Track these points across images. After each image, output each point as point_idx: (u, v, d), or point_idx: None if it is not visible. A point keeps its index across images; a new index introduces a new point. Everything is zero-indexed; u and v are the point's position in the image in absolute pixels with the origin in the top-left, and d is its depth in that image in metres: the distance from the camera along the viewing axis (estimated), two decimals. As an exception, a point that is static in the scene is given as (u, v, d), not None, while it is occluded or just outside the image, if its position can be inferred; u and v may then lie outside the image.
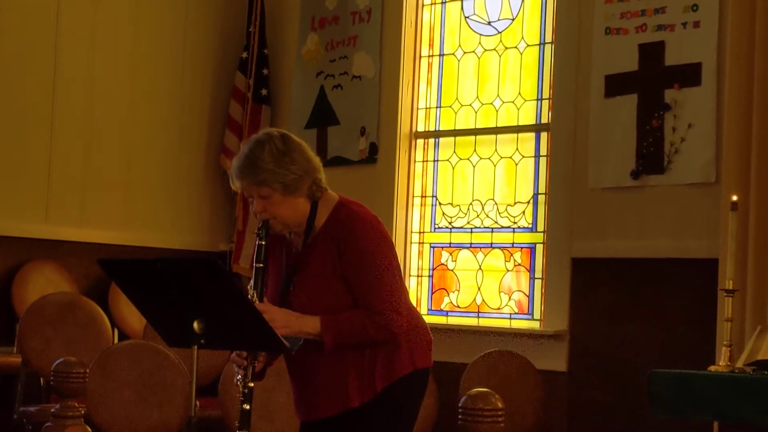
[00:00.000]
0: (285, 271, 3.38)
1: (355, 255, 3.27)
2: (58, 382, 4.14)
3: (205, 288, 3.01)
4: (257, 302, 3.24)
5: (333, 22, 6.94)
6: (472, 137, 6.46)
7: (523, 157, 6.23)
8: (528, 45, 6.29)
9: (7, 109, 6.29)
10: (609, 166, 5.67)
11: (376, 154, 6.66)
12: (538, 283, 6.07)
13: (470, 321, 6.30)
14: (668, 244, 5.45)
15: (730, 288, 4.06)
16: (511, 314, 6.17)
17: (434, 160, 6.60)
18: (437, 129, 6.62)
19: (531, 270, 6.12)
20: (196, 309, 3.05)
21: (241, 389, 3.27)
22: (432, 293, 6.53)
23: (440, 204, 6.54)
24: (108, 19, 6.73)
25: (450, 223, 6.48)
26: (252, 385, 3.26)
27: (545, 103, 6.16)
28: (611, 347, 5.60)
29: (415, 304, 6.45)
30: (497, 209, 6.29)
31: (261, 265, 3.31)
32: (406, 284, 6.40)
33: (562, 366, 5.75)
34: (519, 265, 6.18)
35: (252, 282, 3.31)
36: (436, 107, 6.63)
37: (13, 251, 6.28)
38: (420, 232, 6.60)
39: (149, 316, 3.27)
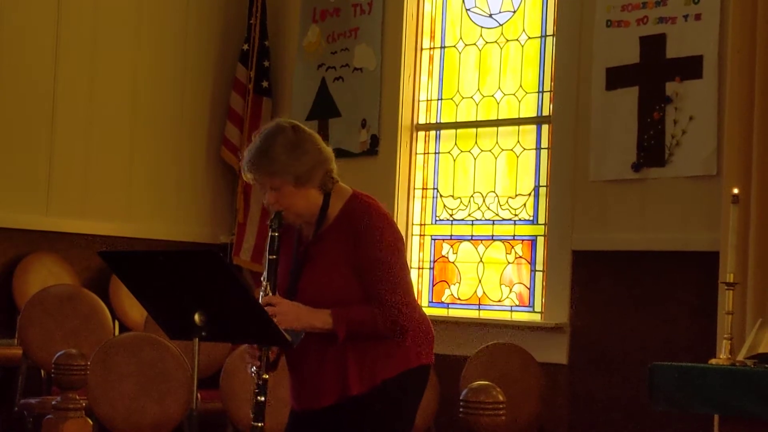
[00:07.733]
0: (295, 261, 3.38)
1: (372, 247, 3.27)
2: (59, 375, 4.14)
3: (206, 280, 3.01)
4: (270, 294, 3.24)
5: (334, 14, 6.93)
6: (474, 129, 6.46)
7: (525, 149, 6.23)
8: (529, 37, 6.29)
9: (8, 100, 6.28)
10: (610, 158, 5.66)
11: (377, 146, 6.66)
12: (539, 276, 6.07)
13: (471, 313, 6.29)
14: (669, 236, 5.45)
15: (731, 281, 4.05)
16: (512, 307, 6.17)
17: (435, 153, 6.59)
18: (438, 121, 6.61)
19: (532, 262, 6.12)
20: (197, 301, 3.05)
21: (255, 381, 3.25)
22: (433, 285, 6.53)
23: (441, 196, 6.54)
24: (110, 11, 6.72)
25: (451, 215, 6.48)
26: (267, 376, 3.25)
27: (546, 96, 6.15)
28: (612, 340, 5.60)
29: (415, 297, 6.46)
30: (498, 201, 6.29)
31: (274, 257, 3.30)
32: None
33: (563, 358, 5.76)
34: (520, 257, 6.17)
35: (265, 274, 3.30)
36: (438, 99, 6.63)
37: (14, 243, 6.28)
38: (421, 225, 6.60)
39: (150, 308, 3.27)
